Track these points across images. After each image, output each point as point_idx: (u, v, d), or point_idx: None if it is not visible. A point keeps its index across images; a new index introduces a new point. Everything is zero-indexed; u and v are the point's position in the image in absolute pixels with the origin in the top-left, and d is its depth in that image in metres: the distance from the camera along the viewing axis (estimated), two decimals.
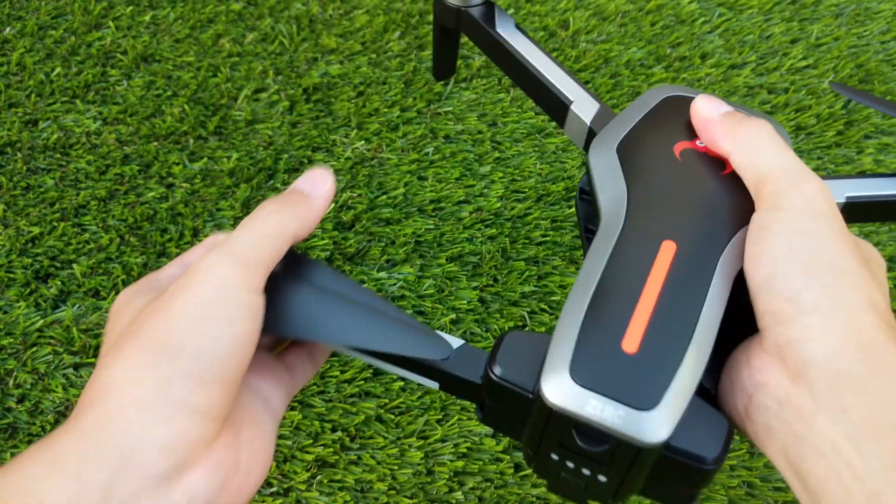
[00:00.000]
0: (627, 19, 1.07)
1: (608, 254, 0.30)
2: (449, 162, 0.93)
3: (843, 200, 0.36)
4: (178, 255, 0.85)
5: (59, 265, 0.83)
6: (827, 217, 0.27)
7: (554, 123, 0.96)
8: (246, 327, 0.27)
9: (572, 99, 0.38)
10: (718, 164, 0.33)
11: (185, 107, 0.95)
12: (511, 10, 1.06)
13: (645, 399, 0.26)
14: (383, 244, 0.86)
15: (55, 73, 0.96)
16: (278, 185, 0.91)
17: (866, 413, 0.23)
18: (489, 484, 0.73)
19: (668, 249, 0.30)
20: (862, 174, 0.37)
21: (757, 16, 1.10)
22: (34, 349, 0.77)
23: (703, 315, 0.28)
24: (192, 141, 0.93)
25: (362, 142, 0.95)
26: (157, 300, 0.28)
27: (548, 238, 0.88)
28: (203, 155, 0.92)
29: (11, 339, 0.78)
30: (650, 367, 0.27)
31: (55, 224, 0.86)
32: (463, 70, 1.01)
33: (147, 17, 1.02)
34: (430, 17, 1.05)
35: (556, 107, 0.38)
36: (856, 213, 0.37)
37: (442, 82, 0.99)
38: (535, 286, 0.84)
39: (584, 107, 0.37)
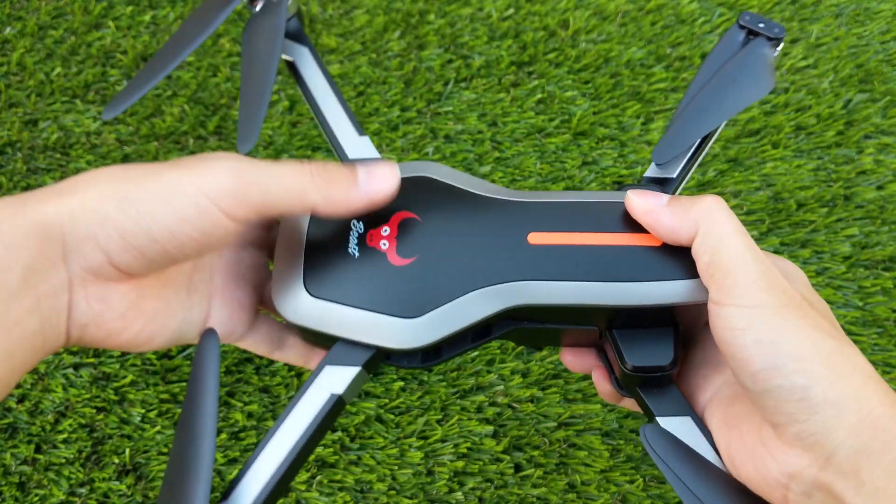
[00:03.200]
0: (627, 19, 1.07)
1: None
2: (449, 162, 0.93)
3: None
4: None
5: None
6: (794, 306, 0.29)
7: (554, 123, 0.96)
8: (195, 236, 0.29)
9: None
10: None
11: (185, 107, 0.95)
12: (511, 10, 1.06)
13: None
14: None
15: (55, 73, 0.96)
16: None
17: (881, 483, 0.28)
18: (489, 484, 0.73)
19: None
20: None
21: None
22: None
23: None
24: (192, 141, 0.93)
25: None
26: (157, 165, 0.30)
27: None
28: None
29: None
30: None
31: None
32: (463, 70, 1.01)
33: (147, 17, 1.02)
34: (431, 17, 1.05)
35: None
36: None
37: (442, 81, 0.99)
38: None
39: None
